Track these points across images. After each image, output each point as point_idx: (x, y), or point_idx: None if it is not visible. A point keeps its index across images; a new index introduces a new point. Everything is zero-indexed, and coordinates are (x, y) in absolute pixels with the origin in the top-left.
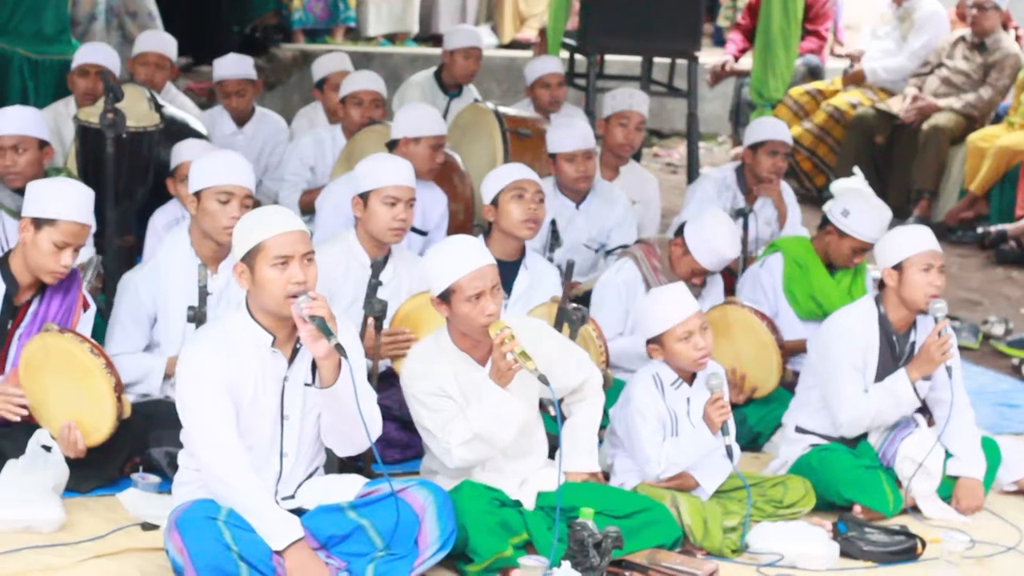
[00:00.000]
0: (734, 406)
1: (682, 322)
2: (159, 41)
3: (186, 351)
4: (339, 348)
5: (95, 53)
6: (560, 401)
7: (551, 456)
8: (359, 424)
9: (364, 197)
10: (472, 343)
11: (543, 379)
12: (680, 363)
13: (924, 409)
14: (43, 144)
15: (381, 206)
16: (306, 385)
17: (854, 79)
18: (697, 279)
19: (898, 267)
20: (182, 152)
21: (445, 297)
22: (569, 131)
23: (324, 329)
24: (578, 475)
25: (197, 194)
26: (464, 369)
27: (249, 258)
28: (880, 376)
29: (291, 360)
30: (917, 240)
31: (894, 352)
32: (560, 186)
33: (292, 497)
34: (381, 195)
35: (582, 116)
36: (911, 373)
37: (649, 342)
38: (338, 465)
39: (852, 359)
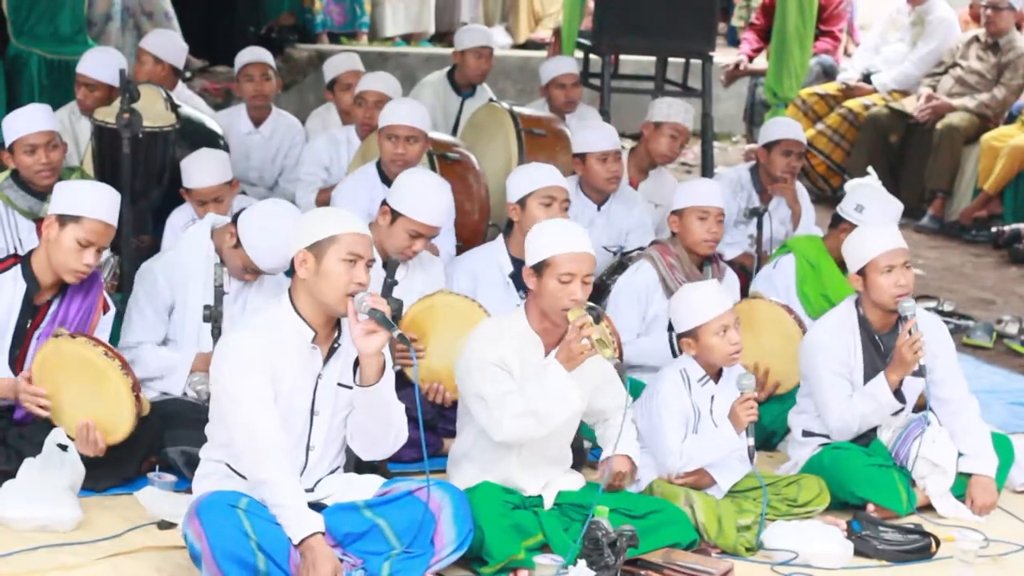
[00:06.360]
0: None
1: (718, 317)
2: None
3: (228, 335)
4: (402, 338)
5: (90, 64)
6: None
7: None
8: (390, 427)
9: (393, 211)
10: (547, 327)
11: (619, 368)
12: (713, 358)
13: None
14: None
15: (403, 232)
16: (339, 385)
17: (856, 93)
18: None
19: (862, 272)
20: (192, 169)
21: (538, 269)
22: (601, 132)
23: (385, 322)
24: (625, 460)
25: None
26: (530, 351)
27: (318, 247)
28: (869, 377)
29: (326, 359)
30: (874, 242)
31: (879, 351)
32: (583, 187)
33: (312, 490)
34: (409, 224)
35: (597, 116)
36: (890, 376)
37: (682, 336)
38: (355, 465)
39: (832, 367)
